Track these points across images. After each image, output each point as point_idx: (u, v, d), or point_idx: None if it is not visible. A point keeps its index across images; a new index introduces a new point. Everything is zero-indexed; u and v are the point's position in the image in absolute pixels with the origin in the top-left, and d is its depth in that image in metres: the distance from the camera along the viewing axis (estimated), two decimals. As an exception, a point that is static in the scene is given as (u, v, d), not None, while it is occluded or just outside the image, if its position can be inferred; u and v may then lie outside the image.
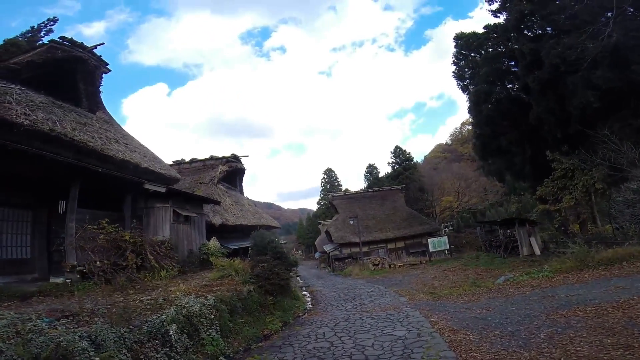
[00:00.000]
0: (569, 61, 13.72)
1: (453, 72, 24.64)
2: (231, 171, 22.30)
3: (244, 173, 24.60)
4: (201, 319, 6.15)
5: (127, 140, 12.36)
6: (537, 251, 17.64)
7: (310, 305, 11.39)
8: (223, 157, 22.23)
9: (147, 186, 10.75)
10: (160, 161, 13.76)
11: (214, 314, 6.60)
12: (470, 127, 69.96)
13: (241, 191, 24.54)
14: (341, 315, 9.04)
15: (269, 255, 10.18)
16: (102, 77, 12.33)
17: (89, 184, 9.10)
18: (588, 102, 13.94)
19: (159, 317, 5.28)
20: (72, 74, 11.35)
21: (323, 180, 61.82)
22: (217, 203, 14.93)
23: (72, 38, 11.29)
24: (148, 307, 5.85)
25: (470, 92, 22.40)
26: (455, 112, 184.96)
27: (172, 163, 22.34)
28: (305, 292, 15.03)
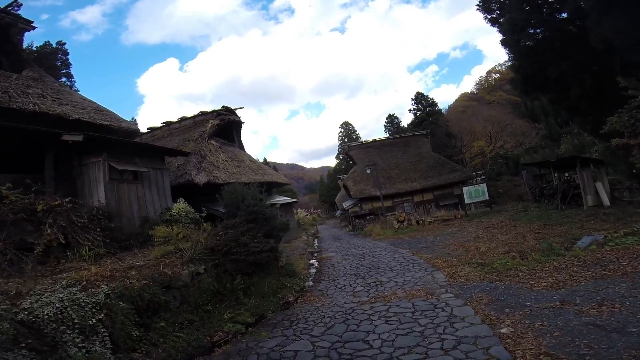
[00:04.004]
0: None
1: (477, 4, 20.28)
2: (224, 125, 19.29)
3: (240, 126, 21.42)
4: (62, 327, 3.53)
5: (60, 95, 10.49)
6: (606, 200, 13.68)
7: (311, 282, 8.39)
8: (214, 111, 19.25)
9: (65, 137, 7.79)
10: (108, 114, 11.23)
11: (100, 317, 3.78)
12: (496, 76, 63.34)
13: (240, 146, 21.47)
14: (343, 305, 5.98)
15: (239, 217, 7.01)
16: (22, 35, 11.39)
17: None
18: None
19: None
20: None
21: (340, 134, 57.87)
22: (184, 154, 11.79)
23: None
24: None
25: (504, 21, 18.46)
26: (481, 62, 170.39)
27: (161, 124, 19.85)
28: (313, 261, 12.16)
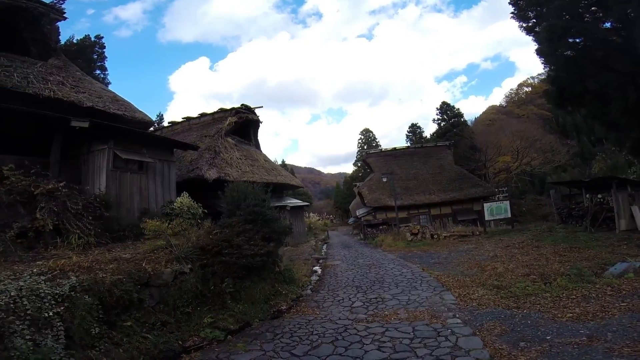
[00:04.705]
0: None
1: (512, 12, 19.25)
2: (242, 123, 19.33)
3: (258, 125, 21.41)
4: (11, 317, 3.26)
5: (80, 84, 10.65)
6: None
7: (309, 291, 7.88)
8: (232, 109, 19.35)
9: (74, 123, 7.71)
10: (123, 103, 11.38)
11: (59, 310, 3.53)
12: (528, 89, 60.98)
13: (257, 146, 21.41)
14: (337, 321, 5.41)
15: (237, 217, 6.61)
16: (53, 24, 11.67)
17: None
18: None
19: None
20: (15, 23, 10.46)
21: (360, 141, 57.02)
22: (194, 148, 11.58)
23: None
24: None
25: (541, 29, 17.41)
26: (513, 74, 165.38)
27: (181, 119, 19.94)
28: (317, 267, 11.64)
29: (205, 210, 9.36)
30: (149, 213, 8.40)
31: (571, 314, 4.70)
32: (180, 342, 4.41)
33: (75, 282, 3.95)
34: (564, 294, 5.57)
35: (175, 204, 8.89)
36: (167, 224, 6.51)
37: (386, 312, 5.63)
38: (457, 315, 5.20)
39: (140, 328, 4.30)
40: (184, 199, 9.08)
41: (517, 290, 6.10)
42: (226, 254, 5.61)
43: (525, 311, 5.07)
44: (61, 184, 6.56)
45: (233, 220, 6.61)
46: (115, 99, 11.35)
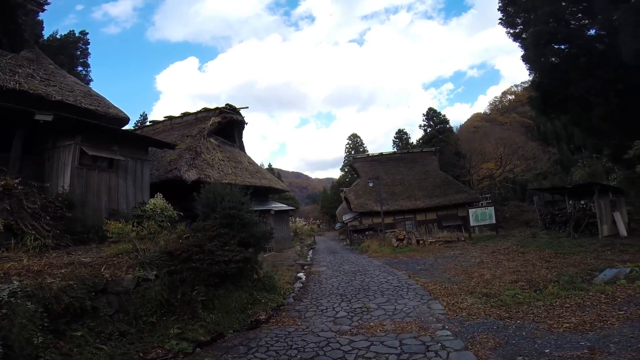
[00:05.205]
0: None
1: (500, 19, 19.57)
2: (226, 123, 18.79)
3: (243, 127, 20.82)
4: None
5: (52, 77, 10.11)
6: (623, 231, 12.85)
7: (292, 300, 7.42)
8: (216, 108, 18.75)
9: (38, 116, 7.13)
10: (97, 98, 10.80)
11: None
12: (511, 97, 62.71)
13: (241, 147, 20.83)
14: (319, 334, 4.99)
15: (212, 220, 6.13)
16: (30, 15, 11.85)
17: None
18: None
19: None
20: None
21: (347, 146, 56.96)
22: (170, 147, 10.99)
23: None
24: None
25: (528, 35, 17.71)
26: (497, 82, 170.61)
27: (163, 118, 19.30)
28: (301, 274, 11.21)
29: (182, 213, 8.81)
30: (118, 214, 7.80)
31: (568, 324, 4.43)
32: (141, 355, 3.93)
33: (17, 287, 3.43)
34: (557, 302, 5.32)
35: (147, 205, 8.29)
36: (130, 227, 5.95)
37: (371, 324, 5.25)
38: (447, 327, 4.86)
39: (94, 338, 3.81)
40: (158, 201, 8.50)
41: (508, 299, 5.82)
42: (196, 260, 5.13)
43: (518, 321, 4.78)
44: (16, 181, 5.94)
45: (207, 223, 6.13)
46: (89, 93, 10.73)
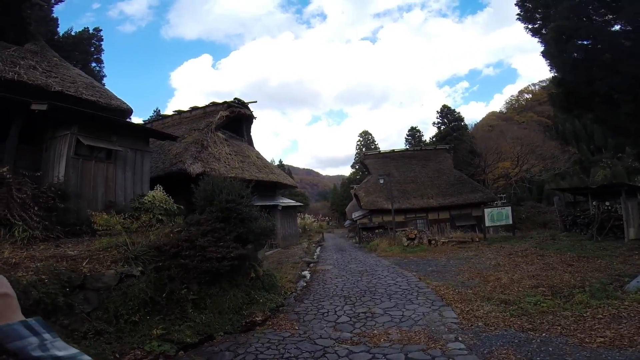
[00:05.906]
0: None
1: (518, 14, 18.56)
2: (234, 117, 18.56)
3: (251, 121, 20.58)
4: None
5: (54, 69, 9.99)
6: None
7: (293, 300, 7.01)
8: (225, 102, 18.55)
9: (34, 106, 6.90)
10: (99, 90, 10.78)
11: None
12: (528, 96, 60.64)
13: (249, 142, 20.60)
14: (316, 341, 4.55)
15: (208, 214, 5.74)
16: (34, 9, 11.88)
17: None
18: None
19: None
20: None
21: (358, 143, 56.21)
22: (172, 138, 10.67)
23: None
24: None
25: (548, 30, 16.73)
26: (514, 81, 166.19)
27: (172, 112, 19.23)
28: (306, 272, 10.82)
29: (181, 207, 8.49)
30: (115, 206, 7.52)
31: (602, 339, 3.86)
32: (117, 356, 3.58)
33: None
34: (588, 313, 4.72)
35: (146, 197, 7.99)
36: (117, 219, 5.61)
37: (375, 332, 4.75)
38: (460, 338, 4.33)
39: (66, 337, 3.45)
40: (157, 193, 8.19)
41: (529, 307, 5.24)
42: (186, 257, 4.75)
43: (544, 334, 4.21)
44: (5, 169, 5.68)
45: (202, 217, 5.74)
46: (92, 85, 10.60)
